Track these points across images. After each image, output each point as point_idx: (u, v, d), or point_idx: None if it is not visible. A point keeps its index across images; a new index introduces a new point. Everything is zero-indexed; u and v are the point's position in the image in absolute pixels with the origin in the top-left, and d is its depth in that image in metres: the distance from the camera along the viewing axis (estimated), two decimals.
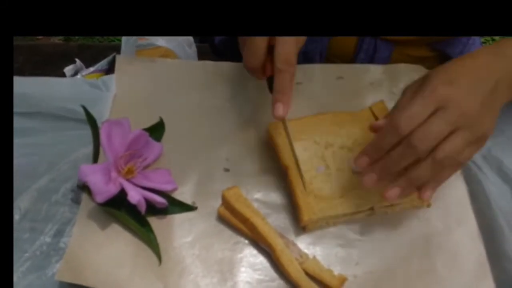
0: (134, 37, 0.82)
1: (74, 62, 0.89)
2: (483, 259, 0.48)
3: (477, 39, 0.75)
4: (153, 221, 0.49)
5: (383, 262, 0.47)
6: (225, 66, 0.63)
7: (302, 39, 0.50)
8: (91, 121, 0.49)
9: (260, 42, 0.48)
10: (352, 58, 0.70)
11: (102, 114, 0.55)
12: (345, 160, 0.52)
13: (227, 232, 0.49)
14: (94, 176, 0.46)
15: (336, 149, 0.53)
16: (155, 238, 0.48)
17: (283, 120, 0.50)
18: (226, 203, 0.49)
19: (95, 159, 0.51)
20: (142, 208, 0.47)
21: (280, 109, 0.48)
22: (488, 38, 1.68)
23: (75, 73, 0.87)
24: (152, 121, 0.56)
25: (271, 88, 0.50)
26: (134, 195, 0.46)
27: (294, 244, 0.47)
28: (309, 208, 0.48)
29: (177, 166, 0.53)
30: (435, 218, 0.50)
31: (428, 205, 0.51)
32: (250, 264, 0.47)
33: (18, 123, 0.55)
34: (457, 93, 0.44)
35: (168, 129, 0.56)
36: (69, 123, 0.56)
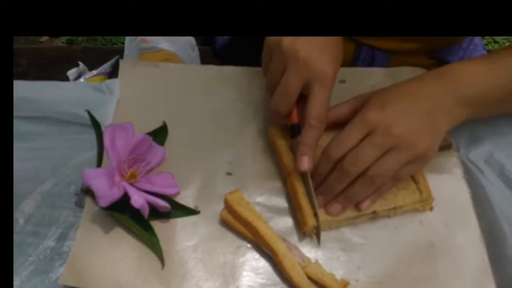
0: (137, 40, 0.83)
1: (78, 65, 0.89)
2: (485, 264, 0.47)
3: (478, 44, 0.74)
4: (156, 225, 0.49)
5: (385, 266, 0.47)
6: (228, 70, 0.63)
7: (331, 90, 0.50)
8: (96, 126, 0.50)
9: (295, 89, 0.48)
10: (351, 65, 0.71)
11: (105, 118, 0.56)
12: None
13: (230, 236, 0.49)
14: (98, 180, 0.46)
15: None
16: (158, 242, 0.48)
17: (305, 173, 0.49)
18: (228, 207, 0.49)
19: (99, 163, 0.51)
20: (146, 212, 0.47)
21: (305, 163, 0.48)
22: (491, 40, 1.67)
23: (78, 76, 0.87)
24: (155, 125, 0.56)
25: (293, 135, 0.51)
26: (138, 199, 0.46)
27: (297, 248, 0.47)
28: (311, 214, 0.48)
29: (180, 170, 0.53)
30: (437, 222, 0.50)
31: (431, 209, 0.51)
32: (253, 268, 0.47)
33: (22, 127, 0.56)
34: (387, 117, 0.46)
35: (171, 133, 0.56)
36: (72, 127, 0.56)
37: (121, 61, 0.64)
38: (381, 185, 0.47)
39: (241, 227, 0.49)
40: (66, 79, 0.88)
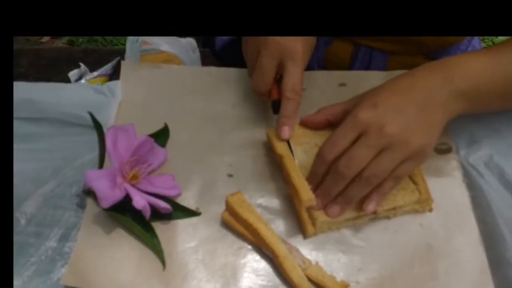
0: (138, 42, 0.83)
1: (79, 66, 0.89)
2: (484, 266, 0.48)
3: (477, 46, 0.74)
4: (157, 226, 0.49)
5: (385, 268, 0.47)
6: (230, 72, 0.63)
7: (307, 62, 0.54)
8: (98, 127, 0.50)
9: (270, 69, 0.53)
10: (348, 67, 0.71)
11: (107, 120, 0.56)
12: None
13: (231, 238, 0.50)
14: (100, 182, 0.47)
15: None
16: (159, 243, 0.48)
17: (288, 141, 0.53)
18: (229, 208, 0.50)
19: (101, 164, 0.51)
20: (147, 213, 0.47)
21: (286, 132, 0.52)
22: (491, 43, 1.68)
23: (79, 78, 0.87)
24: (156, 127, 0.56)
25: (275, 110, 0.55)
26: (139, 201, 0.47)
27: (297, 250, 0.48)
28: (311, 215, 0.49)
29: (181, 172, 0.54)
30: (437, 224, 0.50)
31: (430, 210, 0.51)
32: (253, 270, 0.48)
33: (24, 128, 0.56)
34: (379, 116, 0.46)
35: (173, 135, 0.57)
36: (74, 129, 0.56)
37: (122, 63, 0.64)
38: (378, 184, 0.47)
39: (242, 228, 0.49)
40: (67, 80, 0.88)
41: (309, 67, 0.70)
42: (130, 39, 0.80)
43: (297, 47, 0.52)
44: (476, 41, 0.74)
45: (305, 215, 0.49)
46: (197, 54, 0.88)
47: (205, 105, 0.60)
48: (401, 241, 0.49)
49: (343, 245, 0.49)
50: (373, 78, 0.62)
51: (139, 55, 0.82)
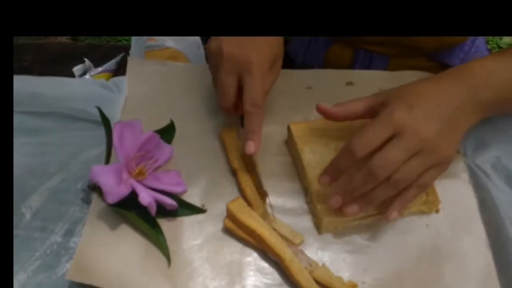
0: (143, 38, 0.83)
1: (83, 61, 0.89)
2: (491, 268, 0.48)
3: (481, 46, 0.73)
4: (163, 222, 0.49)
5: (391, 269, 0.47)
6: None
7: (269, 83, 0.53)
8: (106, 123, 0.50)
9: (229, 85, 0.52)
10: (349, 66, 0.71)
11: (113, 116, 0.56)
12: None
13: (236, 235, 0.49)
14: (106, 177, 0.47)
15: None
16: (164, 240, 0.48)
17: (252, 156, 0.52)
18: (230, 215, 0.49)
19: (107, 160, 0.51)
20: (153, 209, 0.47)
21: (251, 147, 0.51)
22: (495, 45, 1.67)
23: (84, 73, 0.87)
24: (162, 123, 0.56)
25: (242, 124, 0.54)
26: (145, 197, 0.46)
27: (303, 253, 0.47)
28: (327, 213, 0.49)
29: (187, 169, 0.53)
30: (443, 226, 0.50)
31: (437, 211, 0.51)
32: (259, 268, 0.47)
33: (29, 122, 0.56)
34: (414, 119, 0.45)
35: (179, 132, 0.56)
36: (80, 124, 0.56)
37: (129, 59, 0.64)
38: (402, 189, 0.46)
39: (245, 235, 0.48)
40: (71, 75, 0.88)
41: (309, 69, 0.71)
42: None
43: (251, 59, 0.50)
44: (480, 41, 0.73)
45: (319, 210, 0.49)
46: (201, 51, 0.88)
47: (210, 102, 0.60)
48: (408, 242, 0.49)
49: (349, 245, 0.49)
50: (380, 77, 0.62)
51: (144, 50, 0.82)
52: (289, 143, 0.56)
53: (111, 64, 0.90)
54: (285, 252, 0.46)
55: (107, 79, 0.77)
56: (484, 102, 0.48)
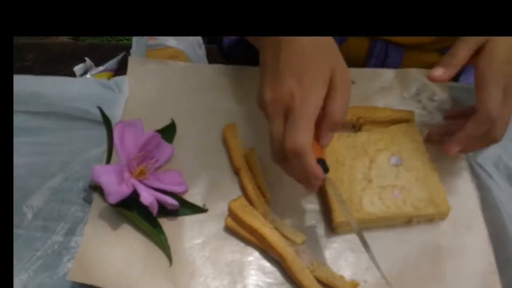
0: (144, 37, 0.83)
1: (84, 61, 0.89)
2: (492, 267, 0.48)
3: None
4: (164, 222, 0.49)
5: (393, 267, 0.47)
6: (236, 69, 0.63)
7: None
8: (107, 122, 0.50)
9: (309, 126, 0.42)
10: (363, 63, 0.70)
11: (114, 115, 0.56)
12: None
13: (237, 235, 0.49)
14: (107, 177, 0.46)
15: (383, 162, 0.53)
16: (166, 240, 0.48)
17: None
18: (232, 214, 0.49)
19: (108, 159, 0.51)
20: (154, 209, 0.47)
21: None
22: None
23: (85, 72, 0.87)
24: (163, 122, 0.56)
25: (325, 170, 0.45)
26: (147, 197, 0.46)
27: (304, 252, 0.47)
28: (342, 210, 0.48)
29: (188, 168, 0.53)
30: (445, 224, 0.50)
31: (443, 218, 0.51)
32: (260, 267, 0.47)
33: (31, 122, 0.56)
34: None
35: (179, 131, 0.56)
36: (81, 123, 0.56)
37: (129, 59, 0.63)
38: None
39: (247, 234, 0.48)
40: (72, 74, 0.87)
41: None
42: None
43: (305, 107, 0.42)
44: None
45: (334, 205, 0.48)
46: (203, 51, 0.88)
47: (212, 102, 0.60)
48: (409, 240, 0.49)
49: (351, 244, 0.49)
50: (382, 76, 0.62)
51: (145, 50, 0.81)
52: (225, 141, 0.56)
53: (112, 63, 0.90)
54: (287, 251, 0.46)
55: (108, 78, 0.77)
56: None
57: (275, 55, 0.45)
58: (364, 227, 0.49)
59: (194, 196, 0.52)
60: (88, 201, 0.51)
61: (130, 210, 0.48)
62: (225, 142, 0.56)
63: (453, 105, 0.59)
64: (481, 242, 0.49)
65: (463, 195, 0.52)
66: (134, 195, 0.47)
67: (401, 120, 0.56)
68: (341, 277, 0.45)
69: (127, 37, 1.74)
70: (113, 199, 0.46)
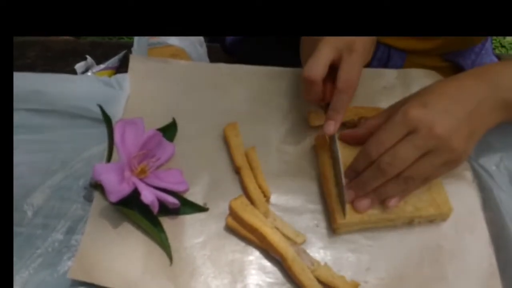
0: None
1: (85, 59, 0.89)
2: (493, 268, 0.47)
3: (489, 49, 0.74)
4: (165, 221, 0.49)
5: (394, 268, 0.47)
6: (239, 68, 0.63)
7: (363, 65, 0.51)
8: (107, 121, 0.50)
9: (325, 54, 0.49)
10: (365, 66, 0.70)
11: (115, 113, 0.56)
12: None
13: (238, 234, 0.49)
14: (108, 175, 0.46)
15: None
16: (166, 239, 0.48)
17: (331, 136, 0.51)
18: (233, 213, 0.49)
19: (109, 158, 0.51)
20: (155, 208, 0.47)
21: (331, 127, 0.50)
22: (498, 44, 1.67)
23: (86, 70, 0.86)
24: (164, 121, 0.56)
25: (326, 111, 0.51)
26: (148, 195, 0.46)
27: (305, 252, 0.47)
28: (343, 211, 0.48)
29: (189, 167, 0.53)
30: (446, 225, 0.50)
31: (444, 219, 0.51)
32: (261, 267, 0.47)
33: (32, 120, 0.56)
34: (429, 115, 0.45)
35: (180, 130, 0.56)
36: (82, 121, 0.56)
37: (131, 57, 0.63)
38: (412, 185, 0.47)
39: (247, 233, 0.48)
40: (73, 72, 0.87)
41: None
42: None
43: (356, 39, 0.49)
44: (489, 44, 0.74)
45: (335, 205, 0.48)
46: (204, 49, 0.87)
47: (213, 101, 0.60)
48: (410, 241, 0.49)
49: (352, 244, 0.49)
50: (384, 76, 0.62)
51: (147, 48, 0.81)
52: (320, 145, 0.55)
53: (113, 61, 0.89)
54: (288, 251, 0.46)
55: (110, 76, 0.77)
56: (506, 101, 0.47)
57: None
58: (365, 227, 0.49)
59: (195, 195, 0.52)
60: (88, 199, 0.51)
61: (131, 209, 0.48)
62: (226, 141, 0.56)
63: None
64: (483, 243, 0.49)
65: (465, 196, 0.52)
66: (135, 193, 0.47)
67: None
68: (342, 277, 0.45)
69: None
70: (114, 197, 0.46)
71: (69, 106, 0.56)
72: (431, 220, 0.50)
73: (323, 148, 0.53)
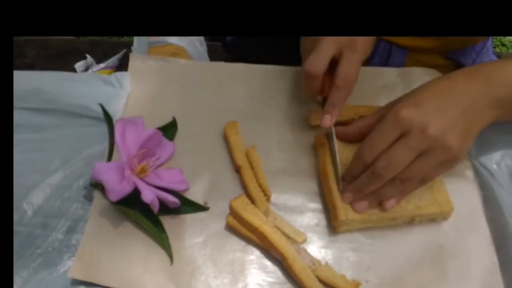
0: None
1: (85, 58, 0.89)
2: (494, 267, 0.47)
3: (490, 48, 0.74)
4: (165, 220, 0.49)
5: (395, 267, 0.47)
6: (239, 67, 0.63)
7: (362, 62, 0.51)
8: (108, 120, 0.50)
9: (326, 50, 0.50)
10: (366, 62, 0.70)
11: (115, 112, 0.56)
12: None
13: (239, 233, 0.49)
14: (109, 175, 0.46)
15: None
16: (167, 238, 0.48)
17: (330, 134, 0.52)
18: (233, 212, 0.49)
19: (109, 157, 0.51)
20: (155, 207, 0.47)
21: (328, 121, 0.51)
22: (498, 43, 1.67)
23: (85, 69, 0.86)
24: (164, 120, 0.56)
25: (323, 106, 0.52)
26: (148, 194, 0.46)
27: (306, 251, 0.47)
28: (346, 209, 0.48)
29: (189, 166, 0.53)
30: (447, 224, 0.50)
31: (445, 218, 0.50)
32: (261, 266, 0.47)
33: (31, 118, 0.55)
34: (421, 115, 0.44)
35: (181, 129, 0.56)
36: (82, 120, 0.56)
37: (131, 55, 0.63)
38: (409, 186, 0.47)
39: (248, 232, 0.48)
40: (73, 71, 0.87)
41: None
42: None
43: (356, 38, 0.50)
44: (490, 42, 0.74)
45: (338, 203, 0.48)
46: (204, 47, 0.87)
47: (213, 99, 0.60)
48: (411, 240, 0.49)
49: (353, 243, 0.49)
50: (385, 75, 0.62)
51: (147, 47, 0.81)
52: (320, 144, 0.54)
53: (113, 60, 0.89)
54: (288, 250, 0.46)
55: (109, 75, 0.77)
56: (498, 96, 0.46)
57: None
58: (366, 226, 0.49)
59: (195, 194, 0.51)
60: (88, 198, 0.50)
61: (131, 208, 0.48)
62: (226, 140, 0.55)
63: None
64: (484, 242, 0.49)
65: (466, 194, 0.52)
66: (135, 192, 0.47)
67: None
68: (342, 276, 0.45)
69: None
70: (114, 196, 0.46)
71: (69, 104, 0.56)
72: (432, 219, 0.50)
73: (323, 147, 0.53)
